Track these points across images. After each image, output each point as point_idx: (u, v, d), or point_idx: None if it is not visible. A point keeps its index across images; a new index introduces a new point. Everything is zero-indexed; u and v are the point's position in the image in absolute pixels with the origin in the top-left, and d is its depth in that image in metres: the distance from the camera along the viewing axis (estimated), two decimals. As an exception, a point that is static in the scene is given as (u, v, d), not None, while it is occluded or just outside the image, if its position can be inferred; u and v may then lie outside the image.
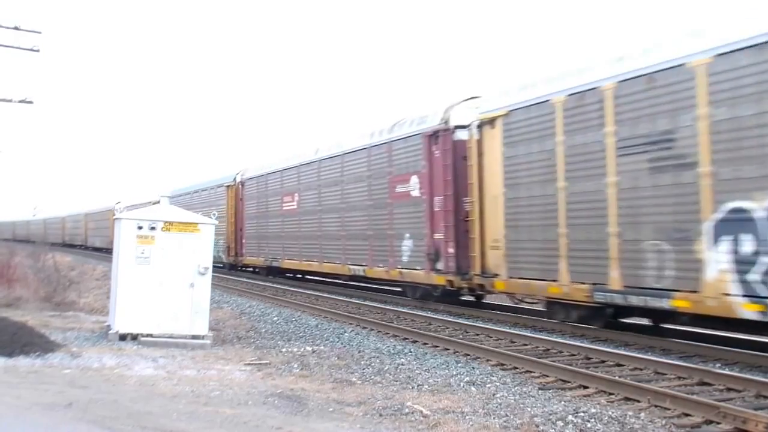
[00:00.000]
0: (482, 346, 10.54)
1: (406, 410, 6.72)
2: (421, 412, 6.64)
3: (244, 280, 25.86)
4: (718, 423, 6.47)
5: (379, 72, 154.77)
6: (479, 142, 13.98)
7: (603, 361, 9.46)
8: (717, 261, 9.12)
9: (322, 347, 10.72)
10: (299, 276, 25.62)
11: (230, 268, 30.30)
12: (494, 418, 6.51)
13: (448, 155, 15.05)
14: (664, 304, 9.88)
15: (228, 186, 29.70)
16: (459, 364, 9.39)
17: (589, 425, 6.29)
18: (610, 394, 7.64)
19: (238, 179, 28.76)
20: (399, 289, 18.57)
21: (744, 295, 8.76)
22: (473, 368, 9.13)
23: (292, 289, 21.43)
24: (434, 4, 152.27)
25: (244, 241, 28.21)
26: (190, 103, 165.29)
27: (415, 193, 16.18)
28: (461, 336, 11.92)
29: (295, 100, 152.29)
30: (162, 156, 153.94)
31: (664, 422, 6.45)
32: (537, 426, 6.24)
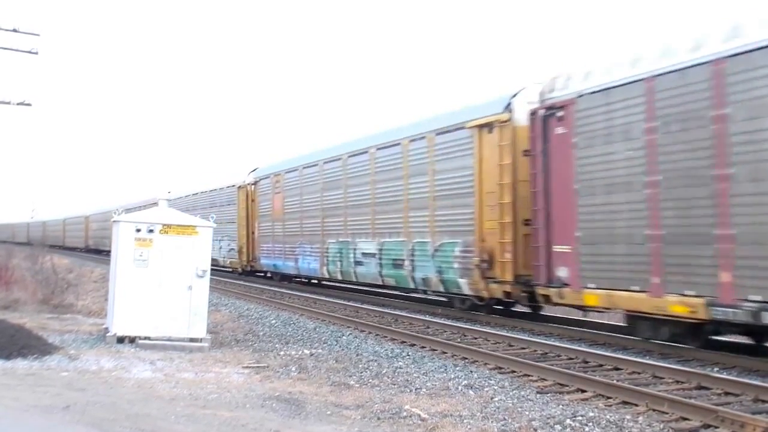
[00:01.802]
0: (480, 349, 10.54)
1: (404, 414, 6.72)
2: (419, 415, 6.64)
3: (242, 283, 25.79)
4: (716, 427, 6.47)
5: (384, 67, 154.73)
6: None
7: (601, 365, 9.45)
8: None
9: (320, 350, 10.71)
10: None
11: (470, 306, 14.69)
12: (492, 421, 6.52)
13: None
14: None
15: (485, 126, 13.73)
16: (457, 368, 9.39)
17: (587, 429, 6.29)
18: (608, 397, 7.64)
19: (529, 105, 12.62)
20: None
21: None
22: (471, 372, 9.13)
23: (289, 292, 21.40)
24: (436, 3, 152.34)
25: (567, 249, 11.47)
26: (191, 103, 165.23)
27: None
28: (459, 339, 11.91)
29: (299, 98, 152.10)
30: (162, 157, 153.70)
31: (661, 426, 6.45)
32: (535, 430, 6.24)
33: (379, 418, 6.59)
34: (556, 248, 11.79)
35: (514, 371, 9.18)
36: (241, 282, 25.96)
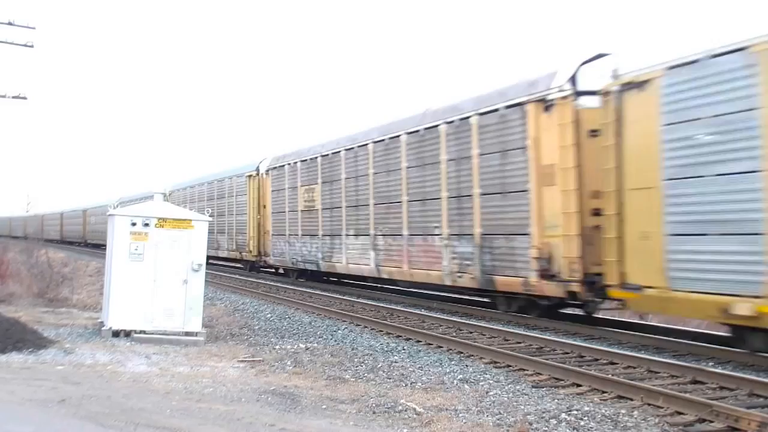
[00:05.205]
0: (475, 343, 10.55)
1: (400, 408, 6.73)
2: (415, 409, 6.65)
3: (237, 277, 25.80)
4: (711, 421, 6.49)
5: (380, 64, 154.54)
6: None
7: (596, 359, 9.48)
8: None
9: (315, 344, 10.72)
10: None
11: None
12: (487, 415, 6.52)
13: None
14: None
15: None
16: (452, 362, 9.40)
17: (582, 423, 6.30)
18: (603, 392, 7.66)
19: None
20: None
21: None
22: (466, 366, 9.14)
23: (285, 286, 21.41)
24: (432, 2, 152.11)
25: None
26: (186, 97, 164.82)
27: None
28: (454, 334, 11.92)
29: (296, 94, 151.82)
30: (158, 150, 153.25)
31: (656, 420, 6.47)
32: (530, 424, 6.25)
33: (374, 412, 6.59)
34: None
35: (510, 365, 9.19)
36: (238, 276, 26.02)
